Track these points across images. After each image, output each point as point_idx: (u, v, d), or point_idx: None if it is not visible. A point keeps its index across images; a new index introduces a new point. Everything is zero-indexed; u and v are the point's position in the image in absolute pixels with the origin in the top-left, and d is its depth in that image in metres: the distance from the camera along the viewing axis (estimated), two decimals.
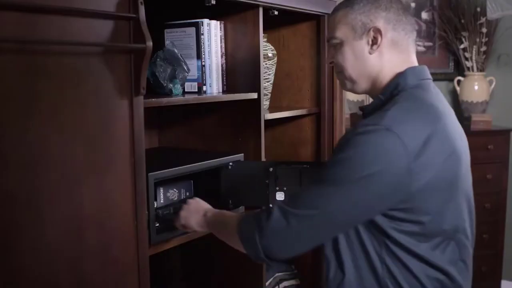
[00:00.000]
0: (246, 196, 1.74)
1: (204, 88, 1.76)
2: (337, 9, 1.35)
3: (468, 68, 3.37)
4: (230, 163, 1.74)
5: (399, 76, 1.27)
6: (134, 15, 1.30)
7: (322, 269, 1.90)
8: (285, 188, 1.68)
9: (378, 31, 1.27)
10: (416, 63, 1.32)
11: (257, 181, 1.70)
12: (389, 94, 1.27)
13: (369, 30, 1.27)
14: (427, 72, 1.31)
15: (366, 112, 1.34)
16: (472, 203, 1.31)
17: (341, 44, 1.31)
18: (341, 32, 1.30)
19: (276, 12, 1.89)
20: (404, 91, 1.25)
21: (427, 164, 1.13)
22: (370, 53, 1.28)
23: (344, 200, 1.14)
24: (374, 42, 1.27)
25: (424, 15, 3.50)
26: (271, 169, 1.69)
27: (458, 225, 1.23)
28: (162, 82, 1.58)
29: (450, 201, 1.21)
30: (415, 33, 1.32)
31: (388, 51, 1.28)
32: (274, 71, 2.06)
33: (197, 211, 1.48)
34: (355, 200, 1.13)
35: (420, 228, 1.17)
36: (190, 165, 1.61)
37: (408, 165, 1.11)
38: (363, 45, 1.28)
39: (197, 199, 1.55)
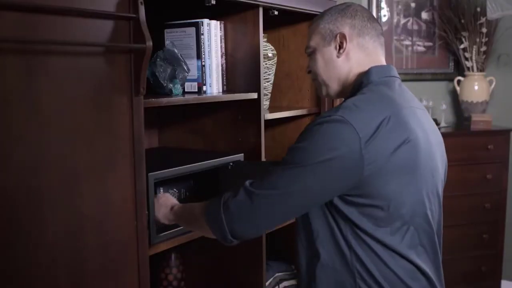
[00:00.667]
0: None
1: (204, 88, 1.76)
2: (312, 22, 1.47)
3: (468, 68, 3.37)
4: (230, 163, 1.74)
5: (363, 75, 1.36)
6: (134, 15, 1.30)
7: None
8: None
9: (343, 36, 1.37)
10: (383, 64, 1.39)
11: None
12: (355, 92, 1.34)
13: (336, 36, 1.38)
14: (392, 71, 1.39)
15: None
16: (440, 193, 1.37)
17: (314, 52, 1.43)
18: (313, 41, 1.43)
19: (276, 12, 1.89)
20: (366, 87, 1.33)
21: (378, 148, 1.19)
22: (338, 57, 1.39)
23: (303, 182, 1.21)
24: (341, 46, 1.38)
25: (424, 15, 3.50)
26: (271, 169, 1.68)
27: (417, 211, 1.27)
28: (162, 82, 1.58)
29: (408, 187, 1.25)
30: (382, 38, 1.42)
31: (355, 54, 1.38)
32: (274, 71, 2.06)
33: (165, 205, 1.52)
34: (312, 182, 1.21)
35: (380, 212, 1.23)
36: (190, 165, 1.61)
37: (360, 151, 1.18)
38: (332, 50, 1.39)
39: (167, 194, 1.58)
